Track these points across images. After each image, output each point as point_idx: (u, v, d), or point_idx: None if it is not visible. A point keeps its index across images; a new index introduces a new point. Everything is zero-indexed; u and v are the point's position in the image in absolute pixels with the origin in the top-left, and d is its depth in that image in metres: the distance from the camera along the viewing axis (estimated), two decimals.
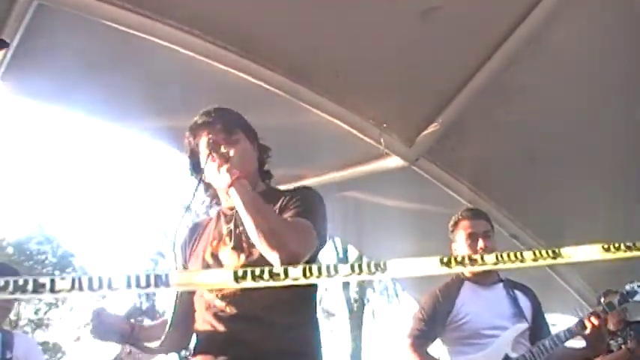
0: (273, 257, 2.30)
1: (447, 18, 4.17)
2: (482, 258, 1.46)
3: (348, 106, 4.74)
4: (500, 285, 4.00)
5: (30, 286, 1.40)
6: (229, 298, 2.50)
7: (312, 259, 2.50)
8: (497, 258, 1.46)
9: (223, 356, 2.47)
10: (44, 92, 4.88)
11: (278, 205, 2.57)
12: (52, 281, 1.43)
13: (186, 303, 2.65)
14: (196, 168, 2.74)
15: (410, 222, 5.74)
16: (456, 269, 1.51)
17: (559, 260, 1.53)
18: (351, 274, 1.49)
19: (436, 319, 3.87)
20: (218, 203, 2.80)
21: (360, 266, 1.48)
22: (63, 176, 47.66)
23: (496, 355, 3.72)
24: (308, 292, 2.55)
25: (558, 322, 4.08)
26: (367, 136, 4.86)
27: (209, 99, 4.06)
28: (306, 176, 5.44)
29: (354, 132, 4.83)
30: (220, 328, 2.51)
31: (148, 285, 1.46)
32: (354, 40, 4.31)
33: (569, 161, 4.92)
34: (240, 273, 1.51)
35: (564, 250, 1.54)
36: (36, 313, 29.17)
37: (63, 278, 1.43)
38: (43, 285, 1.41)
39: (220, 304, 2.52)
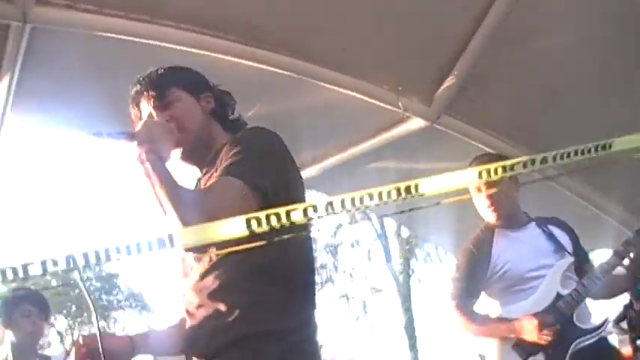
0: None
1: None
2: (524, 165, 1.37)
3: (360, 75, 4.65)
4: (533, 224, 3.88)
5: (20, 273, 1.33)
6: (192, 288, 2.31)
7: None
8: (541, 162, 1.36)
9: (195, 353, 2.29)
10: (55, 116, 4.84)
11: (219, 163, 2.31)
12: (44, 263, 1.36)
13: None
14: None
15: None
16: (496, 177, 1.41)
17: (608, 151, 1.44)
18: (381, 202, 1.40)
19: (475, 274, 3.77)
20: None
21: (389, 193, 1.40)
22: (93, 201, 47.88)
23: (547, 295, 3.63)
24: (269, 265, 2.19)
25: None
26: (385, 103, 4.77)
27: None
28: (330, 154, 5.39)
29: (371, 101, 4.74)
30: (192, 323, 2.32)
31: (150, 249, 1.37)
32: (354, 8, 4.23)
33: (594, 90, 4.79)
34: (253, 221, 1.41)
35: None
36: None
37: (55, 262, 1.35)
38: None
39: (188, 297, 2.34)
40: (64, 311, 28.64)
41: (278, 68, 4.37)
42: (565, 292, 3.63)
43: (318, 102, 4.82)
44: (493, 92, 4.87)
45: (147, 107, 2.49)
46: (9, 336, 3.98)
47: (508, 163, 1.40)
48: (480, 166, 1.40)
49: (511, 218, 3.84)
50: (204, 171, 2.48)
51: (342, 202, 1.41)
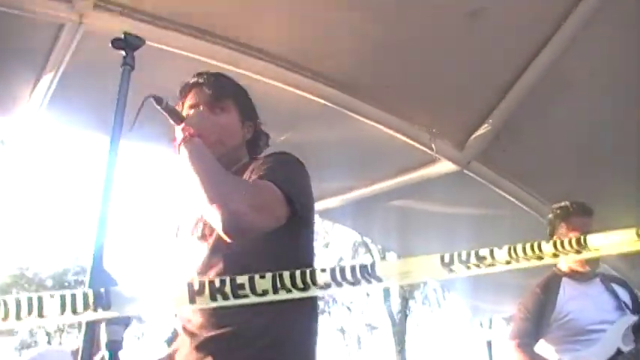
0: (214, 219, 1.99)
1: (492, 18, 4.10)
2: None
3: (398, 113, 4.68)
4: (598, 279, 3.96)
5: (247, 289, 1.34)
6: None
7: (297, 231, 2.18)
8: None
9: None
10: (89, 121, 4.84)
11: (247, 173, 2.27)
12: (251, 280, 1.37)
13: None
14: None
15: (461, 227, 5.66)
16: None
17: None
18: (555, 252, 1.40)
19: (540, 317, 3.83)
20: None
21: (561, 244, 1.40)
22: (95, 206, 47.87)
23: (607, 349, 3.67)
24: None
25: None
26: (418, 143, 4.79)
27: (260, 115, 4.03)
28: (357, 187, 5.40)
29: (405, 139, 4.76)
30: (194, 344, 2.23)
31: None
32: (400, 48, 4.25)
33: (628, 153, 4.81)
34: (446, 258, 1.45)
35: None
36: None
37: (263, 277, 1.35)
38: (242, 285, 1.34)
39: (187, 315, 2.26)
40: None
41: (319, 97, 4.40)
42: (626, 348, 3.66)
43: (351, 135, 4.83)
44: (526, 145, 4.90)
45: (195, 98, 2.47)
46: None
47: None
48: None
49: (582, 270, 3.91)
50: None
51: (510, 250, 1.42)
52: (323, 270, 1.37)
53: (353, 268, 1.37)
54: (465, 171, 4.99)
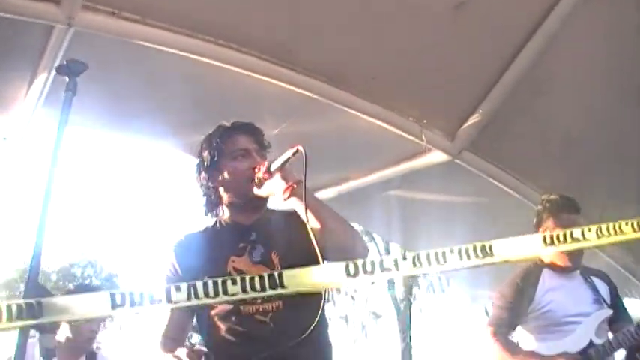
0: (349, 247, 2.39)
1: (479, 9, 4.16)
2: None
3: (388, 105, 4.75)
4: (578, 272, 3.98)
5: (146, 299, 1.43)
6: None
7: None
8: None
9: None
10: (86, 118, 4.91)
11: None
12: (168, 292, 1.47)
13: None
14: (214, 172, 2.71)
15: (456, 216, 5.73)
16: (561, 247, 1.50)
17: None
18: (460, 260, 1.48)
19: (517, 306, 3.84)
20: (217, 213, 2.76)
21: (467, 251, 1.49)
22: (99, 199, 48.04)
23: (581, 341, 3.71)
24: None
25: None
26: (408, 134, 4.87)
27: (252, 110, 4.10)
28: (351, 178, 5.46)
29: (396, 131, 4.84)
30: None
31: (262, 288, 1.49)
32: (388, 40, 4.32)
33: (613, 144, 4.88)
34: (351, 267, 1.53)
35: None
36: None
37: (179, 289, 1.45)
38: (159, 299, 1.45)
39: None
40: None
41: (309, 91, 4.46)
42: (598, 341, 3.71)
43: (343, 127, 4.92)
44: (516, 133, 4.96)
45: (247, 144, 2.72)
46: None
47: (568, 232, 1.49)
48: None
49: (563, 262, 3.93)
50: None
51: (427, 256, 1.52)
52: (234, 282, 1.48)
53: (262, 278, 1.46)
54: (457, 160, 5.06)
